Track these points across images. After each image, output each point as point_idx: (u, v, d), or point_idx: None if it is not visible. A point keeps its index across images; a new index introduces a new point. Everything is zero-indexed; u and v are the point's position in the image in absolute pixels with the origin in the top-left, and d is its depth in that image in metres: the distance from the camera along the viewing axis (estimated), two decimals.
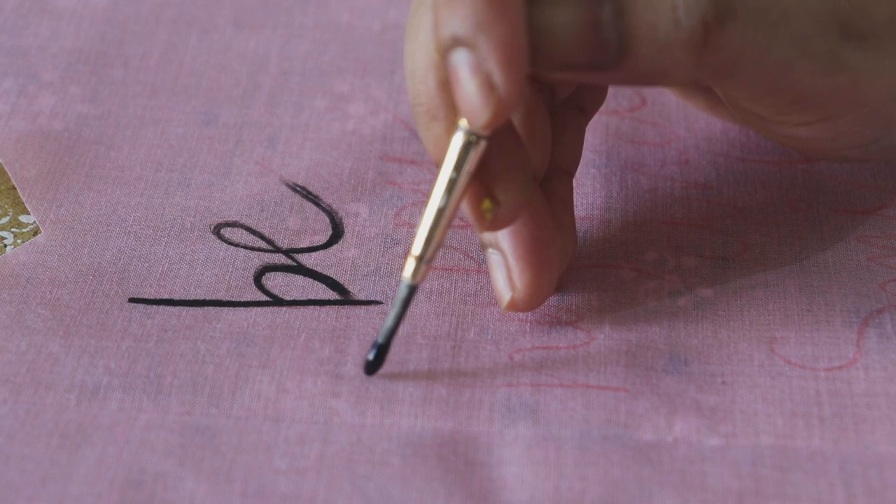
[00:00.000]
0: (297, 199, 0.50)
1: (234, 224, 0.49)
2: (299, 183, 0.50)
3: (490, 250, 0.44)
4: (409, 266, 0.42)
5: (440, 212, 0.41)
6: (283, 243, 0.48)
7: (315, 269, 0.47)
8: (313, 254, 0.48)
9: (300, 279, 0.47)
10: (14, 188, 0.50)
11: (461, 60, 0.39)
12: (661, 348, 0.44)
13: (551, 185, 0.46)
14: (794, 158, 0.50)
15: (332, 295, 0.46)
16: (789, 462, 0.41)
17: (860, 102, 0.43)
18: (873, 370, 0.43)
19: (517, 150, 0.42)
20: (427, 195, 0.49)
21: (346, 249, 0.48)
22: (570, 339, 0.45)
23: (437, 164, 0.41)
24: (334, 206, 0.49)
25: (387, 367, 0.44)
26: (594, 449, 0.41)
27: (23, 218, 0.49)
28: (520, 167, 0.42)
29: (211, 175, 0.51)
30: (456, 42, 0.39)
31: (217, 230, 0.49)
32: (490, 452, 0.42)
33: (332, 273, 0.47)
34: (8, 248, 0.48)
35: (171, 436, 0.42)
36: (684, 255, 0.47)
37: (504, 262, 0.44)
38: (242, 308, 0.46)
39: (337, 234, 0.48)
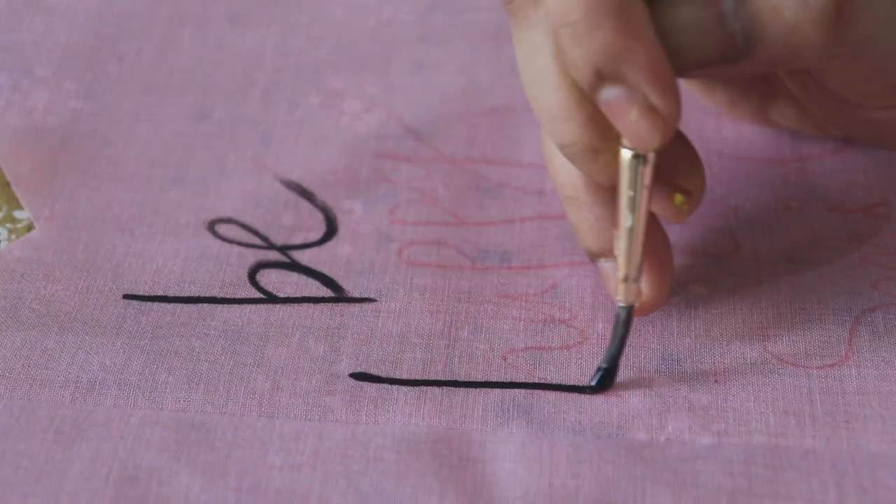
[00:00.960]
0: (291, 195, 0.50)
1: (228, 220, 0.49)
2: (294, 179, 0.50)
3: (602, 260, 0.44)
4: (621, 290, 0.42)
5: (630, 230, 0.41)
6: (278, 240, 0.48)
7: (309, 266, 0.47)
8: (307, 251, 0.48)
9: (294, 276, 0.47)
10: (8, 184, 0.50)
11: (614, 95, 0.38)
12: (654, 347, 0.44)
13: None
14: (787, 157, 0.51)
15: (327, 292, 0.46)
16: (781, 461, 0.41)
17: None
18: (865, 368, 0.43)
19: (681, 139, 0.42)
20: (419, 190, 0.49)
21: (341, 246, 0.48)
22: (563, 339, 0.45)
23: (614, 187, 0.41)
24: (328, 202, 0.49)
25: (381, 367, 0.44)
26: (588, 446, 0.42)
27: (17, 214, 0.49)
28: (691, 152, 0.42)
29: (205, 171, 0.51)
30: (602, 79, 0.38)
31: (211, 226, 0.49)
32: (484, 449, 0.42)
33: (326, 270, 0.47)
34: (2, 243, 0.48)
35: (165, 432, 0.42)
36: (677, 253, 0.47)
37: (614, 274, 0.43)
38: (237, 305, 0.46)
39: (331, 231, 0.49)
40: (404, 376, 0.44)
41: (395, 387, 0.44)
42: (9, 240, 0.48)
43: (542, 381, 0.44)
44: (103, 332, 0.45)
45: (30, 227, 0.48)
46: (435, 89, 0.54)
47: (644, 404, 0.43)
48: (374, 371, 0.44)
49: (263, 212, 0.49)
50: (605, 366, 0.43)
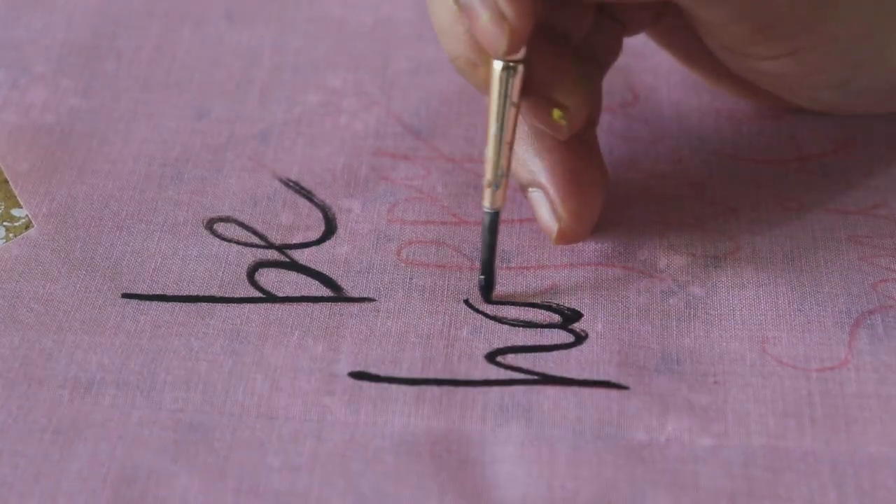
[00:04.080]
0: (289, 194, 0.50)
1: (226, 219, 0.49)
2: (292, 178, 0.50)
3: (531, 189, 0.46)
4: (487, 195, 0.44)
5: (497, 138, 0.43)
6: (276, 239, 0.48)
7: (308, 265, 0.47)
8: (306, 250, 0.48)
9: (293, 275, 0.47)
10: (6, 181, 0.50)
11: (470, 1, 0.42)
12: (653, 347, 0.44)
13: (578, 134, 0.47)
14: (787, 157, 0.51)
15: (325, 292, 0.46)
16: (781, 463, 0.41)
17: (830, 38, 0.44)
18: (864, 371, 0.43)
19: (562, 56, 0.44)
20: (418, 189, 0.49)
21: (339, 245, 0.48)
22: (562, 339, 0.45)
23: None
24: (327, 201, 0.49)
25: (380, 367, 0.44)
26: (587, 448, 0.42)
27: (15, 212, 0.49)
28: (571, 67, 0.44)
29: (203, 170, 0.51)
30: None
31: (210, 225, 0.48)
32: (483, 451, 0.42)
33: (324, 269, 0.47)
34: (0, 242, 0.48)
35: (164, 432, 0.42)
36: (676, 254, 0.47)
37: (546, 196, 0.46)
38: (235, 304, 0.46)
39: (330, 229, 0.48)
40: (404, 375, 0.44)
41: (394, 386, 0.43)
42: (7, 238, 0.48)
43: (543, 373, 0.44)
44: (101, 332, 0.45)
45: (28, 226, 0.48)
46: (434, 88, 0.54)
47: (644, 404, 0.43)
48: (373, 370, 0.44)
49: (262, 210, 0.49)
50: (482, 276, 0.45)
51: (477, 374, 0.44)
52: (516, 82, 0.43)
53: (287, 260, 0.47)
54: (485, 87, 0.44)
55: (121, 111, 0.53)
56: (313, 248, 0.48)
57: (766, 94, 0.50)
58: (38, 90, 0.53)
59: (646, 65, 0.54)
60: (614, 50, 0.49)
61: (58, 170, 0.50)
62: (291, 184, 0.50)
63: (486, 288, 0.46)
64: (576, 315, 0.46)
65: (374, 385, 0.44)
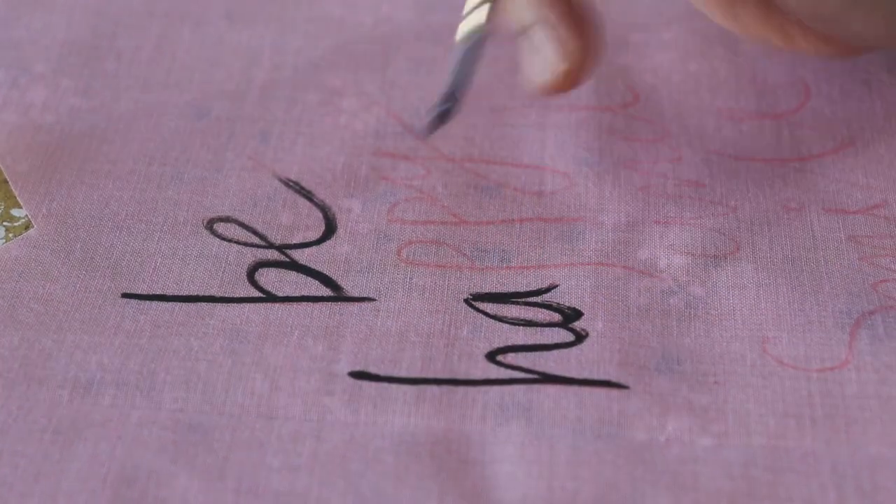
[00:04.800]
0: (290, 194, 0.50)
1: (226, 219, 0.49)
2: (292, 178, 0.50)
3: (537, 27, 0.45)
4: (466, 19, 0.43)
5: None
6: (276, 239, 0.48)
7: (308, 265, 0.47)
8: (306, 250, 0.48)
9: (293, 275, 0.47)
10: (6, 182, 0.50)
11: None
12: (654, 347, 0.44)
13: None
14: (787, 157, 0.51)
15: (325, 291, 0.46)
16: (781, 463, 0.41)
17: None
18: (865, 372, 0.43)
19: None
20: (418, 189, 0.49)
21: (339, 245, 0.48)
22: (562, 338, 0.45)
23: None
24: (327, 201, 0.49)
25: (380, 366, 0.44)
26: (587, 448, 0.42)
27: (14, 212, 0.49)
28: None
29: (203, 169, 0.50)
30: None
31: (210, 225, 0.48)
32: (483, 451, 0.42)
33: (324, 269, 0.47)
34: (0, 242, 0.48)
35: (164, 432, 0.42)
36: (676, 254, 0.47)
37: (553, 35, 0.45)
38: (235, 304, 0.46)
39: (330, 229, 0.48)
40: (403, 375, 0.44)
41: (394, 385, 0.43)
42: (6, 238, 0.48)
43: (543, 372, 0.44)
44: (101, 331, 0.45)
45: (27, 226, 0.48)
46: (433, 88, 0.53)
47: (644, 403, 0.43)
48: (373, 370, 0.44)
49: (262, 210, 0.49)
50: (447, 104, 0.45)
51: (477, 374, 0.44)
52: None
53: (287, 260, 0.47)
54: None
55: (121, 111, 0.53)
56: (313, 248, 0.48)
57: (793, 33, 0.50)
58: (38, 90, 0.53)
59: (646, 65, 0.54)
60: None
61: (57, 170, 0.50)
62: (291, 184, 0.50)
63: (440, 117, 0.44)
64: (576, 314, 0.46)
65: (374, 385, 0.44)
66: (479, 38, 0.43)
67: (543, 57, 0.45)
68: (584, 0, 0.46)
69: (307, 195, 0.50)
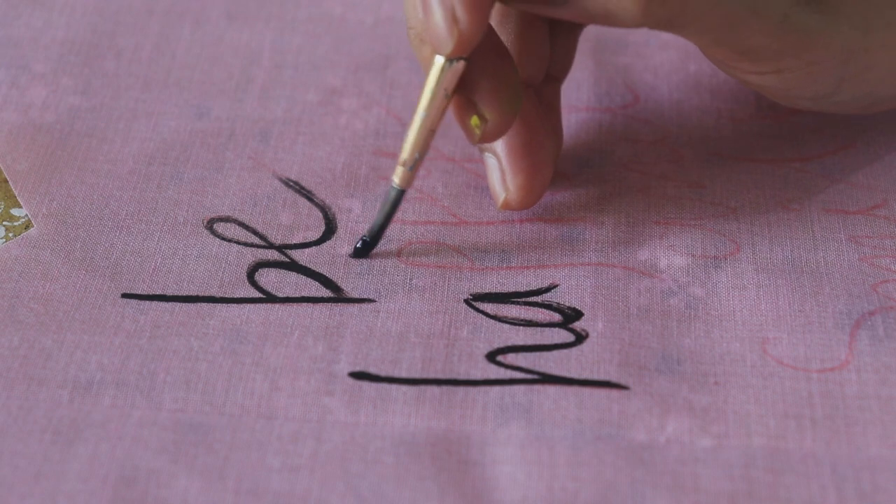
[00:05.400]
0: (290, 194, 0.50)
1: (226, 219, 0.49)
2: (292, 178, 0.50)
3: (486, 154, 0.48)
4: (398, 172, 0.45)
5: (423, 122, 0.45)
6: (276, 239, 0.48)
7: (308, 265, 0.47)
8: (306, 250, 0.48)
9: (293, 276, 0.47)
10: (6, 181, 0.50)
11: None
12: (654, 348, 0.44)
13: (540, 91, 0.48)
14: (786, 158, 0.51)
15: (325, 292, 0.46)
16: (781, 464, 0.41)
17: (812, 61, 0.44)
18: (865, 373, 0.43)
19: (503, 70, 0.45)
20: (418, 189, 0.49)
21: (339, 245, 0.48)
22: (562, 338, 0.45)
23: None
24: (327, 201, 0.49)
25: (380, 367, 0.44)
26: (587, 449, 0.42)
27: (14, 211, 0.49)
28: (506, 86, 0.45)
29: (203, 169, 0.50)
30: None
31: (210, 225, 0.48)
32: (483, 452, 0.42)
33: (324, 270, 0.47)
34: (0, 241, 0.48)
35: (164, 433, 0.42)
36: (676, 255, 0.47)
37: (498, 164, 0.47)
38: (235, 305, 0.46)
39: (330, 229, 0.48)
40: (404, 375, 0.44)
41: (394, 386, 0.43)
42: (6, 238, 0.48)
43: (543, 373, 0.44)
44: (101, 331, 0.45)
45: (27, 225, 0.48)
46: None
47: (644, 404, 0.43)
48: (373, 370, 0.44)
49: (262, 210, 0.49)
50: (366, 237, 0.47)
51: (477, 374, 0.44)
52: (450, 76, 0.44)
53: (287, 260, 0.47)
54: (425, 66, 0.45)
55: (121, 110, 0.53)
56: (313, 248, 0.48)
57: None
58: (38, 89, 0.53)
59: (646, 65, 0.54)
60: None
61: (57, 169, 0.50)
62: (291, 183, 0.50)
63: (364, 249, 0.47)
64: (576, 314, 0.46)
65: (374, 385, 0.43)
66: (399, 194, 0.46)
67: (489, 180, 0.48)
68: (543, 125, 0.47)
69: (307, 195, 0.50)
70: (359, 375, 0.44)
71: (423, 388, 0.43)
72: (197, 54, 0.55)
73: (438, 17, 0.42)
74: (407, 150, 0.45)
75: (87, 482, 0.41)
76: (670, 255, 0.47)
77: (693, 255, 0.47)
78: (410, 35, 0.46)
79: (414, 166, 0.45)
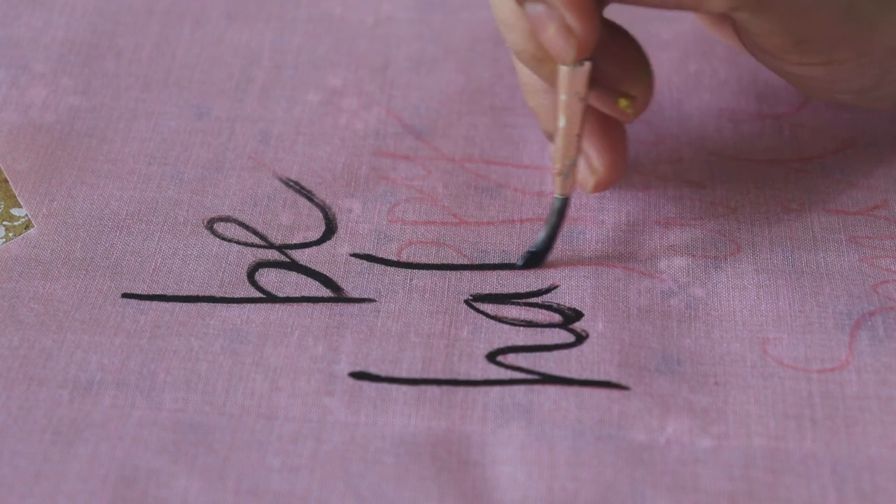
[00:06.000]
0: (290, 194, 0.50)
1: (227, 219, 0.49)
2: (292, 178, 0.50)
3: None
4: (557, 182, 0.46)
5: (563, 130, 0.45)
6: (277, 239, 0.48)
7: (308, 265, 0.47)
8: (306, 250, 0.48)
9: (293, 276, 0.47)
10: (6, 181, 0.50)
11: (536, 11, 0.43)
12: (654, 348, 0.44)
13: None
14: (787, 158, 0.51)
15: (326, 292, 0.46)
16: (781, 464, 0.41)
17: (863, 52, 0.45)
18: (865, 373, 0.43)
19: (625, 51, 0.46)
20: (419, 189, 0.49)
21: (340, 245, 0.48)
22: (563, 339, 0.45)
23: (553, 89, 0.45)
24: (327, 201, 0.49)
25: (380, 367, 0.44)
26: (587, 450, 0.42)
27: (14, 211, 0.49)
28: (635, 57, 0.46)
29: (204, 169, 0.50)
30: None
31: (210, 225, 0.48)
32: (483, 452, 0.42)
33: (325, 270, 0.47)
34: (0, 241, 0.48)
35: (164, 433, 0.42)
36: (677, 255, 0.47)
37: (582, 153, 0.48)
38: (236, 305, 0.46)
39: (330, 230, 0.48)
40: (404, 375, 0.44)
41: (394, 386, 0.43)
42: (6, 238, 0.48)
43: (544, 373, 0.44)
44: (101, 331, 0.45)
45: (28, 225, 0.48)
46: (434, 88, 0.53)
47: (644, 404, 0.43)
48: (373, 370, 0.44)
49: (262, 210, 0.49)
50: (534, 249, 0.47)
51: (477, 374, 0.44)
52: (580, 80, 0.44)
53: (287, 260, 0.47)
54: (551, 81, 0.45)
55: (121, 110, 0.53)
56: (313, 248, 0.48)
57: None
58: (38, 89, 0.53)
59: None
60: None
61: (58, 169, 0.50)
62: (292, 183, 0.50)
63: (532, 260, 0.47)
64: (576, 315, 0.46)
65: (374, 385, 0.44)
66: (563, 203, 0.46)
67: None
68: (612, 116, 0.47)
69: (307, 195, 0.50)
70: (359, 375, 0.44)
71: (423, 388, 0.43)
72: (197, 54, 0.55)
73: (552, 32, 0.43)
74: (558, 159, 0.45)
75: (87, 482, 0.41)
76: (670, 256, 0.47)
77: (693, 256, 0.47)
78: (523, 58, 0.45)
79: (569, 173, 0.45)
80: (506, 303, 0.46)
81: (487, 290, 0.46)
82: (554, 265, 0.47)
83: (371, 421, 0.42)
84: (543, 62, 0.45)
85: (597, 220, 0.48)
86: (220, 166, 0.51)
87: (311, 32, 0.56)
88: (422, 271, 0.47)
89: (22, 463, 0.41)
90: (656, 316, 0.45)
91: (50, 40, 0.55)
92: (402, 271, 0.47)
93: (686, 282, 0.46)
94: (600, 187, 0.48)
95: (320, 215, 0.49)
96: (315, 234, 0.48)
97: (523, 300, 0.46)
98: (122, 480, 0.41)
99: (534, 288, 0.46)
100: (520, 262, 0.47)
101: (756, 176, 0.50)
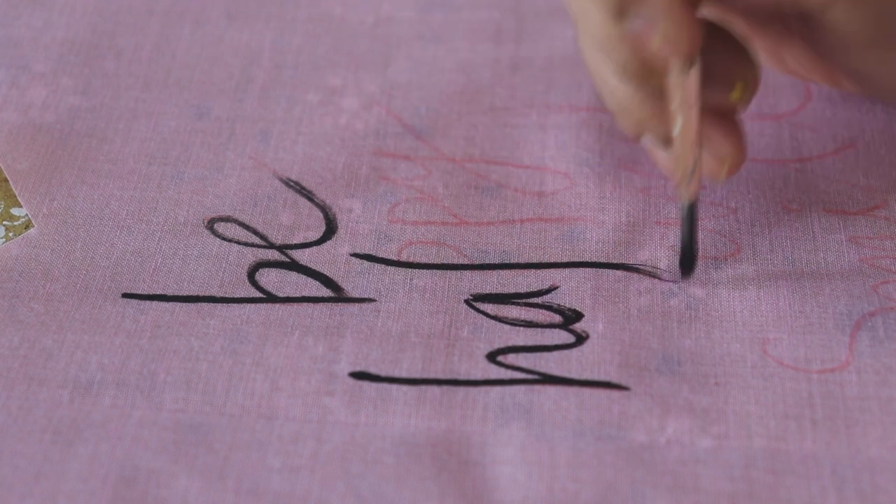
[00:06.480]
0: (290, 194, 0.50)
1: (227, 219, 0.49)
2: (292, 178, 0.50)
3: (643, 138, 0.48)
4: (680, 191, 0.46)
5: (682, 137, 0.45)
6: (277, 239, 0.48)
7: (308, 265, 0.47)
8: (307, 250, 0.48)
9: (293, 276, 0.47)
10: (6, 181, 0.50)
11: (636, 26, 0.43)
12: (654, 348, 0.44)
13: None
14: (787, 158, 0.51)
15: (326, 292, 0.46)
16: (782, 465, 0.41)
17: None
18: (865, 374, 0.43)
19: (729, 41, 0.46)
20: (419, 189, 0.49)
21: (340, 245, 0.48)
22: (563, 339, 0.45)
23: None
24: (328, 201, 0.49)
25: (380, 367, 0.44)
26: (587, 450, 0.42)
27: (15, 211, 0.49)
28: (740, 51, 0.46)
29: (204, 169, 0.50)
30: (625, 9, 0.43)
31: (210, 225, 0.48)
32: (483, 452, 0.42)
33: (325, 270, 0.47)
34: (0, 241, 0.48)
35: (164, 433, 0.42)
36: (677, 255, 0.47)
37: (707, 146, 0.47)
38: (236, 304, 0.46)
39: (330, 230, 0.48)
40: (404, 375, 0.44)
41: (394, 386, 0.43)
42: (7, 237, 0.48)
43: (544, 373, 0.44)
44: (102, 331, 0.45)
45: (28, 225, 0.48)
46: (434, 88, 0.53)
47: (644, 405, 0.43)
48: (373, 370, 0.44)
49: (262, 210, 0.49)
50: (680, 260, 0.46)
51: (477, 374, 0.44)
52: (694, 83, 0.44)
53: (287, 260, 0.47)
54: (659, 94, 0.45)
55: (121, 110, 0.53)
56: (314, 248, 0.48)
57: (791, 67, 0.51)
58: (38, 89, 0.53)
59: None
60: None
61: (58, 169, 0.50)
62: (292, 183, 0.50)
63: (687, 263, 0.46)
64: (577, 315, 0.46)
65: (374, 385, 0.44)
66: (691, 207, 0.46)
67: (657, 159, 0.48)
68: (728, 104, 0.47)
69: (307, 195, 0.50)
70: (359, 375, 0.44)
71: (423, 388, 0.43)
72: (197, 54, 0.55)
73: (657, 44, 0.43)
74: (679, 167, 0.45)
75: (87, 482, 0.41)
76: (670, 256, 0.47)
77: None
78: (629, 76, 0.45)
79: (692, 178, 0.45)
80: (506, 303, 0.46)
81: (487, 289, 0.46)
82: (554, 265, 0.47)
83: (371, 421, 0.42)
84: (650, 77, 0.45)
85: (597, 220, 0.48)
86: (220, 166, 0.51)
87: (311, 32, 0.56)
88: (422, 271, 0.47)
89: (22, 463, 0.41)
90: (656, 316, 0.45)
91: (50, 40, 0.55)
92: (403, 271, 0.47)
93: (686, 282, 0.46)
94: (732, 172, 0.47)
95: (320, 215, 0.49)
96: (315, 234, 0.48)
97: (523, 300, 0.46)
98: (122, 480, 0.41)
99: (534, 288, 0.46)
100: (681, 269, 0.47)
101: (756, 176, 0.50)
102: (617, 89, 0.46)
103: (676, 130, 0.45)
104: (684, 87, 0.44)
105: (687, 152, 0.45)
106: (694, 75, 0.44)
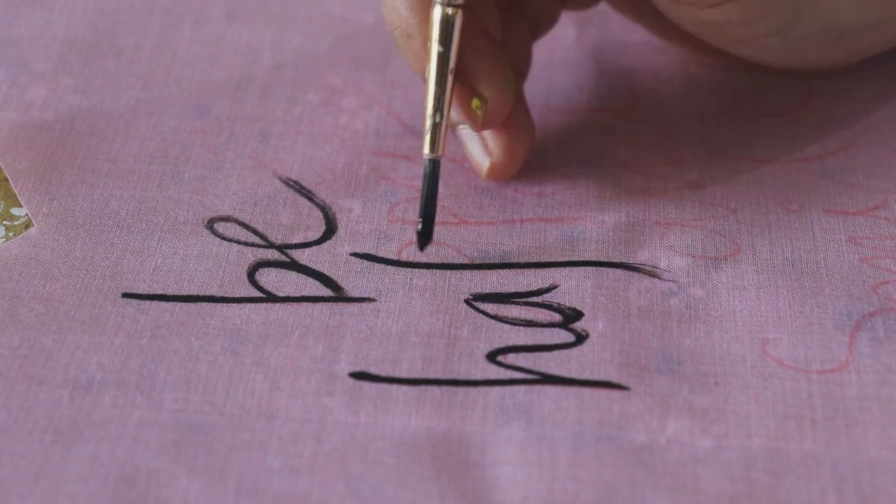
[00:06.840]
0: (290, 193, 0.50)
1: (227, 219, 0.49)
2: (292, 177, 0.50)
3: (460, 126, 0.49)
4: (425, 140, 0.46)
5: (437, 83, 0.45)
6: (277, 238, 0.48)
7: (308, 265, 0.47)
8: (306, 249, 0.48)
9: (293, 275, 0.47)
10: (6, 180, 0.50)
11: None
12: (654, 348, 0.44)
13: None
14: (786, 158, 0.51)
15: (326, 292, 0.46)
16: (781, 465, 0.41)
17: None
18: (865, 374, 0.43)
19: (492, 51, 0.47)
20: (419, 189, 0.49)
21: (340, 245, 0.48)
22: (563, 339, 0.45)
23: (421, 76, 0.46)
24: (328, 201, 0.49)
25: (380, 367, 0.44)
26: (587, 450, 0.42)
27: (14, 210, 0.49)
28: (498, 65, 0.46)
29: (204, 168, 0.50)
30: None
31: (210, 224, 0.48)
32: (483, 453, 0.42)
33: (325, 269, 0.47)
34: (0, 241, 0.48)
35: (164, 433, 0.42)
36: (677, 255, 0.47)
37: (478, 134, 0.48)
38: (236, 304, 0.46)
39: (330, 229, 0.48)
40: (404, 375, 0.44)
41: (394, 386, 0.43)
42: (6, 237, 0.48)
43: (544, 373, 0.44)
44: (102, 331, 0.45)
45: (27, 225, 0.48)
46: None
47: (644, 405, 0.43)
48: (373, 370, 0.44)
49: (262, 210, 0.49)
50: (419, 229, 0.46)
51: (477, 374, 0.44)
52: (456, 28, 0.45)
53: (287, 260, 0.47)
54: (414, 61, 0.46)
55: (121, 109, 0.53)
56: (314, 248, 0.48)
57: (716, 51, 0.51)
58: (38, 88, 0.53)
59: (646, 67, 0.54)
60: (552, 16, 0.51)
61: (58, 168, 0.50)
62: (292, 183, 0.50)
63: (422, 238, 0.46)
64: (577, 315, 0.46)
65: (374, 385, 0.44)
66: (435, 163, 0.46)
67: (469, 151, 0.49)
68: (515, 104, 0.48)
69: (307, 195, 0.50)
70: (359, 375, 0.44)
71: (423, 388, 0.43)
72: (197, 54, 0.55)
73: None
74: (429, 118, 0.45)
75: (88, 482, 0.41)
76: (670, 256, 0.47)
77: (693, 256, 0.47)
78: (396, 35, 0.46)
79: (437, 133, 0.45)
80: (506, 302, 0.46)
81: (487, 289, 0.46)
82: (554, 265, 0.47)
83: (371, 421, 0.42)
84: (412, 38, 0.46)
85: (597, 220, 0.48)
86: (220, 166, 0.51)
87: (311, 32, 0.56)
88: (422, 271, 0.47)
89: (22, 463, 0.41)
90: (656, 316, 0.45)
91: (50, 39, 0.55)
92: (403, 271, 0.47)
93: (686, 282, 0.46)
94: (495, 174, 0.48)
95: (320, 215, 0.49)
96: (315, 234, 0.48)
97: (523, 300, 0.46)
98: (122, 480, 0.41)
99: (534, 288, 0.46)
100: (417, 240, 0.47)
101: (756, 176, 0.50)
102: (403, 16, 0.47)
103: (430, 74, 0.45)
104: (442, 30, 0.45)
105: (429, 95, 0.45)
106: (438, 16, 0.44)
